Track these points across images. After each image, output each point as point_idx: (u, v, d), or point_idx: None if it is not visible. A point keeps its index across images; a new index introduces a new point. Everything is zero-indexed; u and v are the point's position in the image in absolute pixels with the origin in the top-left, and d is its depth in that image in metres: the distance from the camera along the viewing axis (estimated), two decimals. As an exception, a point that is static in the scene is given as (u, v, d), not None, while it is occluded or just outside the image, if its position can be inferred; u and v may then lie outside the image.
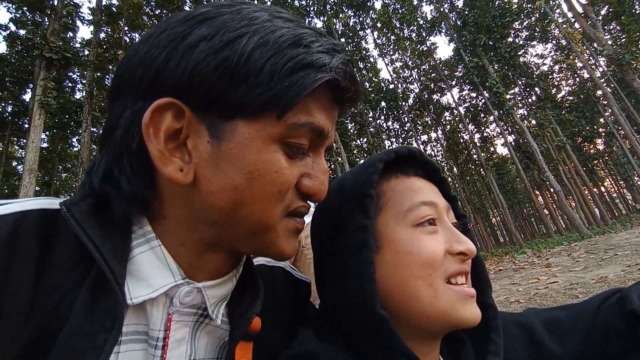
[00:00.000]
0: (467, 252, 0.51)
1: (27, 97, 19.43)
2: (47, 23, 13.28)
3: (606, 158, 39.54)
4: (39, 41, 11.19)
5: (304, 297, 0.64)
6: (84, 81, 16.29)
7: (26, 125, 16.66)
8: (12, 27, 18.73)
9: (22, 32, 17.60)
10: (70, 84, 21.54)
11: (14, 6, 16.37)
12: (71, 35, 16.75)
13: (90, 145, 13.02)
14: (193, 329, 0.45)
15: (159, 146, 0.38)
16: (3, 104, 20.16)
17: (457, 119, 33.70)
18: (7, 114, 20.22)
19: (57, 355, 0.34)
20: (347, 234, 0.51)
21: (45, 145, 22.69)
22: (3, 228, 0.35)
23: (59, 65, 11.41)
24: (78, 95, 21.72)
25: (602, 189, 48.64)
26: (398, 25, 28.57)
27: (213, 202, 0.39)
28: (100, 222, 0.40)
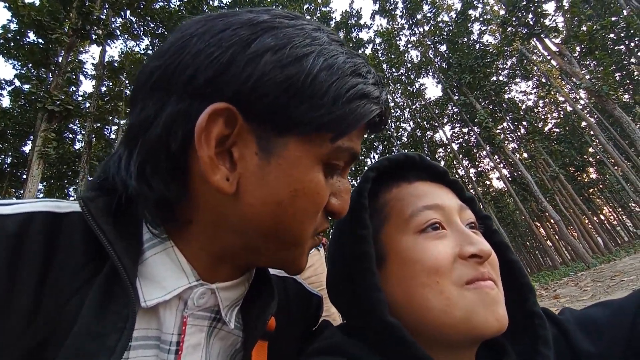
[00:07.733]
0: (480, 254, 0.46)
1: (26, 148, 19.75)
2: (51, 78, 13.87)
3: (601, 186, 39.84)
4: (42, 95, 11.55)
5: (315, 311, 0.64)
6: (84, 132, 16.67)
7: (24, 176, 16.76)
8: (17, 82, 19.57)
9: (26, 86, 18.35)
10: (70, 135, 22.02)
11: (19, 63, 17.17)
12: (74, 89, 17.41)
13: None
14: (207, 334, 0.44)
15: (209, 152, 0.36)
16: (3, 156, 20.41)
17: (451, 155, 34.30)
18: (6, 165, 20.41)
19: (67, 357, 0.33)
20: (348, 246, 0.51)
21: (41, 195, 22.67)
22: (10, 227, 0.35)
23: (60, 117, 11.68)
24: (78, 146, 22.14)
25: (602, 217, 48.50)
26: (387, 69, 30.08)
27: (251, 214, 0.39)
28: (114, 220, 0.39)
